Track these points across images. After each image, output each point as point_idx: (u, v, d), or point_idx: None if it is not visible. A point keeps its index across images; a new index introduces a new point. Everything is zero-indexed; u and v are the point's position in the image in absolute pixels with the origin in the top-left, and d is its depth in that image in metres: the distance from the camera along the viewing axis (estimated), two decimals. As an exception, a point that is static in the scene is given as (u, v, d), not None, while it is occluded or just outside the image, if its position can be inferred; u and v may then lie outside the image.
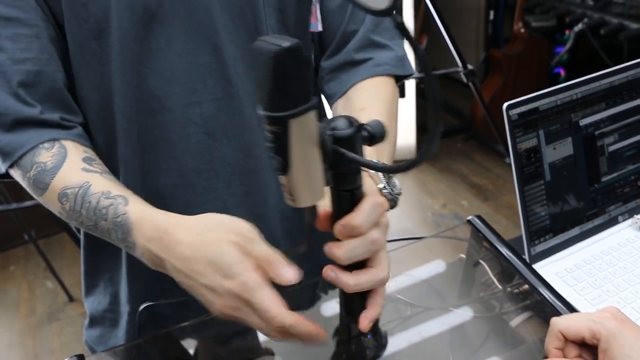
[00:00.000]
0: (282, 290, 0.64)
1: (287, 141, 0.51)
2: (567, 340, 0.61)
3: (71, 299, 2.60)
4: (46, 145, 0.77)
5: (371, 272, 0.60)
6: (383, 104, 0.89)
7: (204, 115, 0.85)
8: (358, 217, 0.58)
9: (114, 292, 0.95)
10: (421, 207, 3.06)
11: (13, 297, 2.70)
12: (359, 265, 0.60)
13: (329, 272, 0.60)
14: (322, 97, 1.00)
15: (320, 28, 0.91)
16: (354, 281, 0.59)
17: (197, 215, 0.68)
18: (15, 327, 2.53)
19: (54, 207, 0.77)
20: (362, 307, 0.63)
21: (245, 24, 0.84)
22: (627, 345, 0.55)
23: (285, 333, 0.60)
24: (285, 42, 0.48)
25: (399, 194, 0.71)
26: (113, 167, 0.85)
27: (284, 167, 0.53)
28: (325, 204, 0.60)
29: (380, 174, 0.71)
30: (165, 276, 0.76)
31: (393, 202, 0.71)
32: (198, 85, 0.84)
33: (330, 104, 0.97)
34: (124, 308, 0.94)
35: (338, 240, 0.59)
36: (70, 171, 0.76)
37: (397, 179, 0.72)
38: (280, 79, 0.48)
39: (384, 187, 0.70)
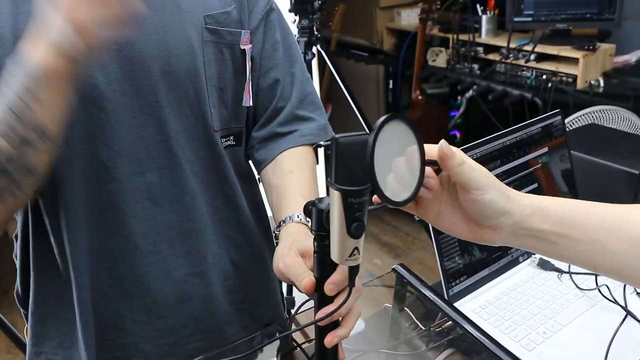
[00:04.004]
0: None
1: (366, 207, 0.59)
2: None
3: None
4: None
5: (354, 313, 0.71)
6: (307, 168, 1.02)
7: (147, 183, 0.92)
8: (342, 274, 0.66)
9: (64, 357, 0.97)
10: (338, 268, 3.15)
11: None
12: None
13: (333, 340, 0.69)
14: (251, 163, 1.10)
15: (251, 103, 1.02)
16: (346, 331, 0.70)
17: None
18: None
19: None
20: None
21: (188, 101, 0.93)
22: None
23: None
24: (361, 132, 0.57)
25: None
26: (59, 231, 0.90)
27: (364, 229, 0.60)
28: (308, 275, 0.70)
29: None
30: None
31: None
32: (142, 155, 0.91)
33: (259, 169, 1.07)
34: None
35: (324, 302, 0.67)
36: None
37: None
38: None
39: None
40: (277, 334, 1.10)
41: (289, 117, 1.04)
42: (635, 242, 0.59)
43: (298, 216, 0.92)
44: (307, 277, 0.69)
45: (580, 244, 0.62)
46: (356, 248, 0.61)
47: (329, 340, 0.68)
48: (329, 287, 0.65)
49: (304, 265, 0.76)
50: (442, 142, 0.61)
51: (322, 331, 0.69)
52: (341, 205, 0.58)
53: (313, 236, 0.67)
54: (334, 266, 0.65)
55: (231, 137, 1.02)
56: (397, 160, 0.58)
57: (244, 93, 1.00)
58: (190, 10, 0.92)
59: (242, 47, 0.97)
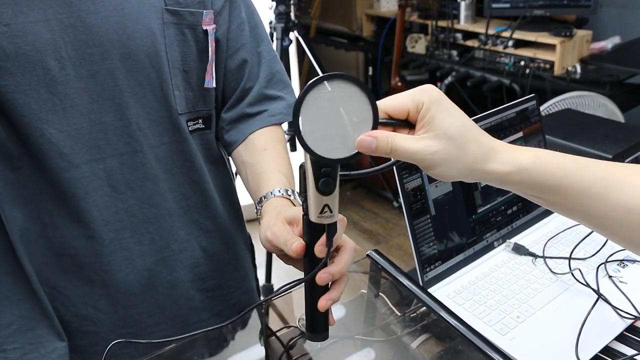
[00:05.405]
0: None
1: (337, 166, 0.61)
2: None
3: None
4: None
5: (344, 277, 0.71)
6: (281, 144, 1.03)
7: (107, 170, 0.90)
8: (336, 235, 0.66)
9: (24, 342, 0.92)
10: (318, 254, 3.16)
11: None
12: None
13: (326, 303, 0.68)
14: (221, 146, 1.09)
15: (213, 85, 1.00)
16: (338, 294, 0.70)
17: None
18: None
19: None
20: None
21: (150, 84, 0.91)
22: (447, 109, 0.59)
23: None
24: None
25: None
26: (14, 220, 0.88)
27: (334, 187, 0.61)
28: (297, 239, 0.70)
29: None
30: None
31: None
32: (101, 142, 0.89)
33: (230, 150, 1.05)
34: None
35: (314, 265, 0.67)
36: None
37: None
38: None
39: None
40: (257, 316, 1.09)
41: (257, 97, 1.04)
42: (619, 209, 0.59)
43: (279, 191, 0.92)
44: (296, 241, 0.70)
45: (561, 205, 0.62)
46: (327, 205, 0.62)
47: (323, 303, 0.68)
48: (319, 249, 0.66)
49: (291, 232, 0.76)
50: (363, 139, 0.59)
51: (313, 296, 0.70)
52: (309, 161, 0.60)
53: (302, 199, 0.68)
54: (322, 229, 0.65)
55: (199, 121, 1.00)
56: (344, 118, 0.58)
57: (206, 74, 0.99)
58: None
59: (204, 28, 0.95)
